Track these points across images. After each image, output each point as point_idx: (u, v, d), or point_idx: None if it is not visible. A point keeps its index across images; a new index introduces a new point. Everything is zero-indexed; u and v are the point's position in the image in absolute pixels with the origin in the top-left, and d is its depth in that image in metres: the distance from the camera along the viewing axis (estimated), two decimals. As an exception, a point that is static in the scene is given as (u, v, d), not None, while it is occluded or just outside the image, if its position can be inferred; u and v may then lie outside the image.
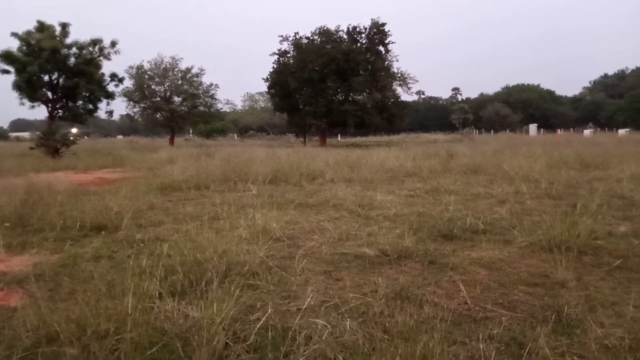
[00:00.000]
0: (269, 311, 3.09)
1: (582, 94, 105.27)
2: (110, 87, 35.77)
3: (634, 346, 2.69)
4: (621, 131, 42.86)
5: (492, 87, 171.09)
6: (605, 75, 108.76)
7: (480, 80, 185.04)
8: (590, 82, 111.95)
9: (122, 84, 37.28)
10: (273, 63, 42.39)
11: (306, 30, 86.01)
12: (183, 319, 3.07)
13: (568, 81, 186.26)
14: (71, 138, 25.92)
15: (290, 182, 10.77)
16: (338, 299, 3.55)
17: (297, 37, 41.85)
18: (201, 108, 43.92)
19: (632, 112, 65.25)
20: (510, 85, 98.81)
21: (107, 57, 34.18)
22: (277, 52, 42.24)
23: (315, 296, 3.54)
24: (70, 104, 33.91)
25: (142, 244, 5.25)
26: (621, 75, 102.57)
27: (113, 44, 33.98)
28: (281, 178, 11.09)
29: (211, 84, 44.16)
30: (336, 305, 3.43)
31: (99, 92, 34.11)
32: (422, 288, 3.73)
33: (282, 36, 41.91)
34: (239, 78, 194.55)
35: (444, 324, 3.00)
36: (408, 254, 4.70)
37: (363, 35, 40.73)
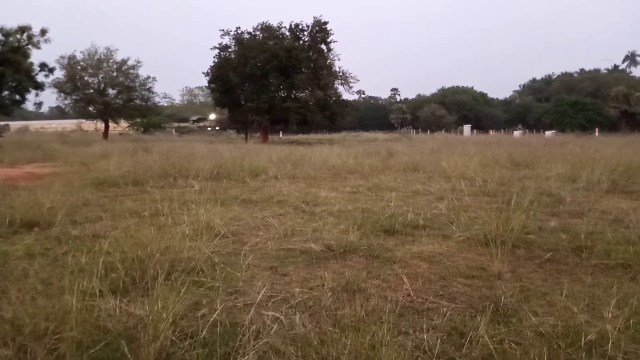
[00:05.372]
0: (218, 307, 3.05)
1: (512, 97, 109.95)
2: (40, 78, 33.66)
3: (565, 332, 2.87)
4: (548, 133, 45.17)
5: (428, 89, 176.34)
6: (534, 80, 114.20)
7: (417, 82, 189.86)
8: (520, 86, 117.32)
9: (53, 74, 35.31)
10: (214, 57, 41.53)
11: (248, 25, 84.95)
12: (127, 317, 2.98)
13: (499, 84, 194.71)
14: None
15: (233, 178, 10.65)
16: (285, 293, 3.57)
17: (239, 31, 41.25)
18: (137, 101, 42.36)
19: (557, 115, 68.93)
20: (446, 87, 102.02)
21: (37, 46, 32.11)
22: (217, 46, 41.39)
23: (263, 291, 3.53)
24: (-5, 94, 31.72)
25: (78, 241, 5.03)
26: (548, 80, 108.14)
27: (43, 32, 31.95)
28: (223, 174, 10.94)
29: (148, 77, 42.65)
30: (284, 299, 3.45)
31: (27, 82, 32.00)
32: (367, 281, 3.82)
33: (223, 30, 41.04)
34: (177, 71, 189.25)
35: (390, 315, 3.09)
36: (352, 249, 4.79)
37: (305, 33, 40.62)
